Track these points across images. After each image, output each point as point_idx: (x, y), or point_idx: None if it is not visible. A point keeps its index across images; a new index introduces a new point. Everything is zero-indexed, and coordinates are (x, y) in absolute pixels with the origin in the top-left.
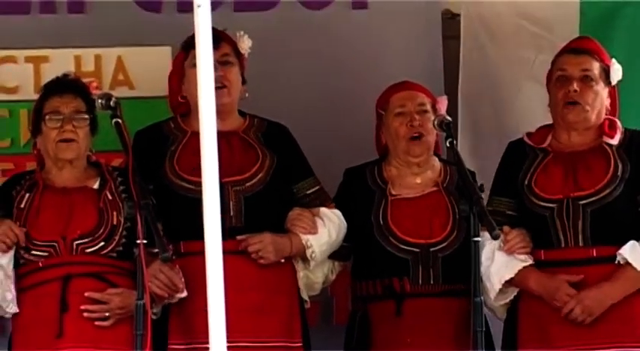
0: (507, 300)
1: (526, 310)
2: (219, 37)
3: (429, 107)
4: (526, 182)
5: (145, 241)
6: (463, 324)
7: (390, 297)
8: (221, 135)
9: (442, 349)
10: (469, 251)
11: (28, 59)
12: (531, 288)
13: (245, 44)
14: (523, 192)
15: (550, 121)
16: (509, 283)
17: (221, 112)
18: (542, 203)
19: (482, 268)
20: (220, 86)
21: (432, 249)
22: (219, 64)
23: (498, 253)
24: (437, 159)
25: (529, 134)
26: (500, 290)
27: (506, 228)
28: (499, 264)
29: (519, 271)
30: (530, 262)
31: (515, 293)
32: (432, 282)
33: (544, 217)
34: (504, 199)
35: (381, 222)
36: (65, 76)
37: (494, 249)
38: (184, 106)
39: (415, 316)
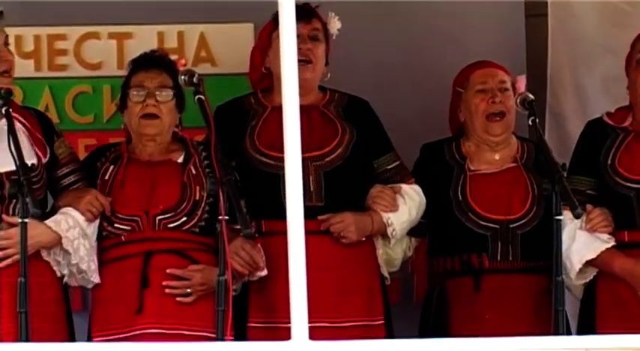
0: (586, 280)
1: (605, 290)
2: (313, 13)
3: (509, 85)
4: (609, 162)
5: (227, 218)
6: (541, 301)
7: (469, 273)
8: (301, 109)
9: (521, 326)
10: (548, 228)
11: (111, 35)
12: (615, 272)
13: (335, 25)
14: (606, 171)
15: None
16: (589, 263)
17: (303, 88)
18: (627, 183)
19: (563, 247)
20: (306, 60)
21: (511, 225)
22: (309, 38)
23: (580, 232)
24: (514, 136)
25: (609, 114)
26: (580, 270)
27: (589, 206)
28: (580, 243)
29: (602, 252)
30: (613, 243)
31: (594, 273)
32: (510, 258)
33: (628, 197)
34: (584, 178)
35: (460, 198)
36: (153, 51)
37: (575, 228)
38: (266, 81)
39: (493, 292)
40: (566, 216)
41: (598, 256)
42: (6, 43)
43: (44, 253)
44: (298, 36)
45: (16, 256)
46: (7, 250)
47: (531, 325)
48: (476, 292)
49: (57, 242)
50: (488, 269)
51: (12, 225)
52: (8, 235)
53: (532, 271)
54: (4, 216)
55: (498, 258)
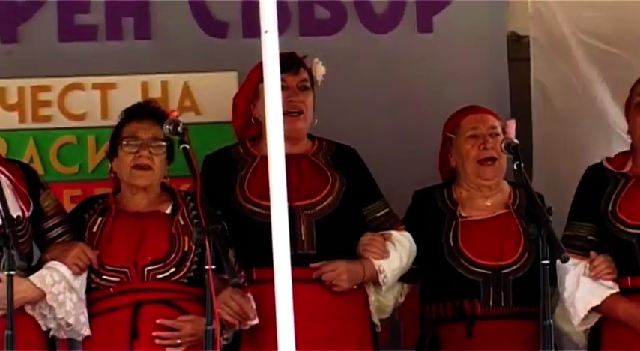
0: (588, 326)
1: (611, 336)
2: (299, 62)
3: (499, 130)
4: (609, 208)
5: (213, 267)
6: (534, 347)
7: (461, 319)
8: (290, 158)
9: None
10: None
11: (95, 86)
12: (619, 317)
13: (320, 71)
14: (607, 218)
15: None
16: (593, 310)
17: (294, 138)
18: (628, 229)
19: (566, 294)
20: (298, 112)
21: (503, 271)
22: (298, 89)
23: (583, 279)
24: (505, 182)
25: (608, 159)
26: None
27: (592, 254)
28: (585, 290)
29: (606, 298)
30: (617, 289)
31: (597, 319)
32: (502, 304)
33: (630, 243)
34: (585, 223)
35: (452, 244)
36: (147, 102)
37: (579, 274)
38: (252, 130)
39: (486, 338)
40: (569, 262)
41: (602, 301)
42: None
43: (28, 308)
44: (287, 87)
45: (1, 312)
46: None
47: None
48: (468, 338)
49: (41, 297)
50: (481, 315)
51: None
52: None
53: (524, 317)
54: None
55: (490, 304)
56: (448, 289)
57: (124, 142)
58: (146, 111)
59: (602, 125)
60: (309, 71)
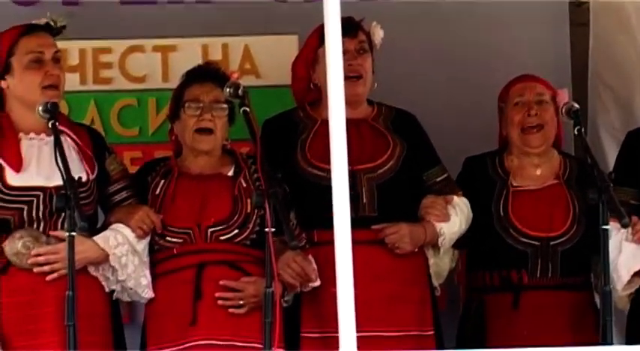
0: (632, 290)
1: None
2: (357, 26)
3: (547, 98)
4: None
5: (273, 229)
6: (580, 317)
7: (508, 289)
8: (351, 123)
9: (559, 343)
10: (588, 245)
11: (155, 48)
12: None
13: (379, 35)
14: None
15: None
16: (636, 274)
17: (354, 102)
18: None
19: (610, 259)
20: (357, 76)
21: (551, 243)
22: (356, 52)
23: (626, 244)
24: (556, 151)
25: None
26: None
27: (635, 218)
28: (627, 254)
29: None
30: None
31: None
32: (550, 275)
33: None
34: (628, 188)
35: (502, 213)
36: (207, 64)
37: (621, 239)
38: (312, 94)
39: (532, 309)
40: (612, 227)
41: None
42: (55, 59)
43: (91, 269)
44: (346, 51)
45: (63, 271)
46: (53, 265)
47: (569, 342)
48: (514, 309)
49: (104, 258)
50: (528, 285)
51: (59, 240)
52: (55, 249)
53: (571, 288)
54: (50, 231)
55: (538, 275)
56: (496, 259)
57: (186, 105)
58: (207, 73)
59: None
60: (368, 35)
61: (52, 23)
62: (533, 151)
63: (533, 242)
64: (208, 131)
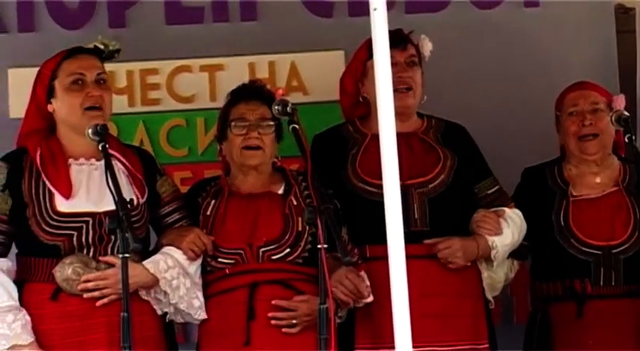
0: None
1: None
2: (406, 39)
3: (602, 106)
4: None
5: (325, 246)
6: None
7: (571, 298)
8: (401, 136)
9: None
10: None
11: (203, 68)
12: None
13: (427, 47)
14: None
15: None
16: None
17: (404, 114)
18: None
19: None
20: (407, 88)
21: (613, 251)
22: (406, 64)
23: None
24: (616, 158)
25: None
26: None
27: None
28: None
29: None
30: None
31: None
32: (613, 283)
33: None
34: None
35: (562, 223)
36: (252, 82)
37: None
38: (360, 109)
39: (596, 317)
40: None
41: None
42: (98, 80)
43: (142, 293)
44: (396, 63)
45: (113, 297)
46: (103, 291)
47: (635, 349)
48: (578, 318)
49: (154, 283)
50: (591, 294)
51: (109, 265)
52: (104, 275)
53: (635, 295)
54: (100, 257)
55: (601, 283)
56: (558, 269)
57: (233, 124)
58: (252, 91)
59: None
60: (417, 47)
61: (103, 46)
62: (590, 158)
63: (595, 251)
64: (256, 148)
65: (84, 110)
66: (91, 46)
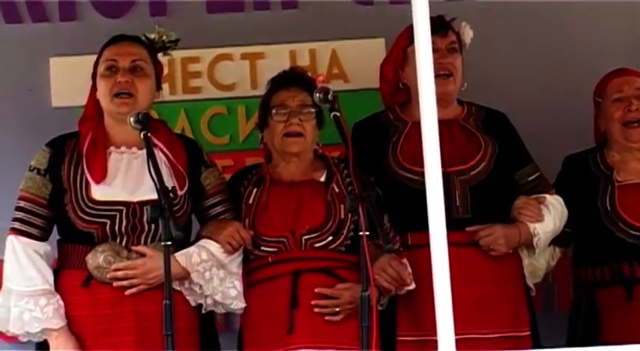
0: None
1: None
2: (447, 25)
3: None
4: None
5: (369, 234)
6: None
7: (620, 282)
8: (442, 123)
9: None
10: None
11: (244, 56)
12: None
13: (468, 35)
14: None
15: None
16: None
17: (444, 101)
18: None
19: None
20: (447, 74)
21: None
22: (447, 51)
23: None
24: None
25: None
26: None
27: None
28: None
29: None
30: None
31: None
32: None
33: None
34: None
35: (609, 208)
36: (292, 69)
37: None
38: (400, 96)
39: None
40: None
41: None
42: (133, 67)
43: (175, 284)
44: (437, 50)
45: (142, 287)
46: (132, 280)
47: None
48: (628, 302)
49: (185, 275)
50: None
51: (140, 255)
52: (134, 265)
53: None
54: (132, 246)
55: None
56: (605, 253)
57: (274, 111)
58: (292, 78)
59: None
60: (457, 34)
61: (157, 37)
62: (635, 145)
63: None
64: (297, 135)
65: (112, 96)
66: (141, 37)
